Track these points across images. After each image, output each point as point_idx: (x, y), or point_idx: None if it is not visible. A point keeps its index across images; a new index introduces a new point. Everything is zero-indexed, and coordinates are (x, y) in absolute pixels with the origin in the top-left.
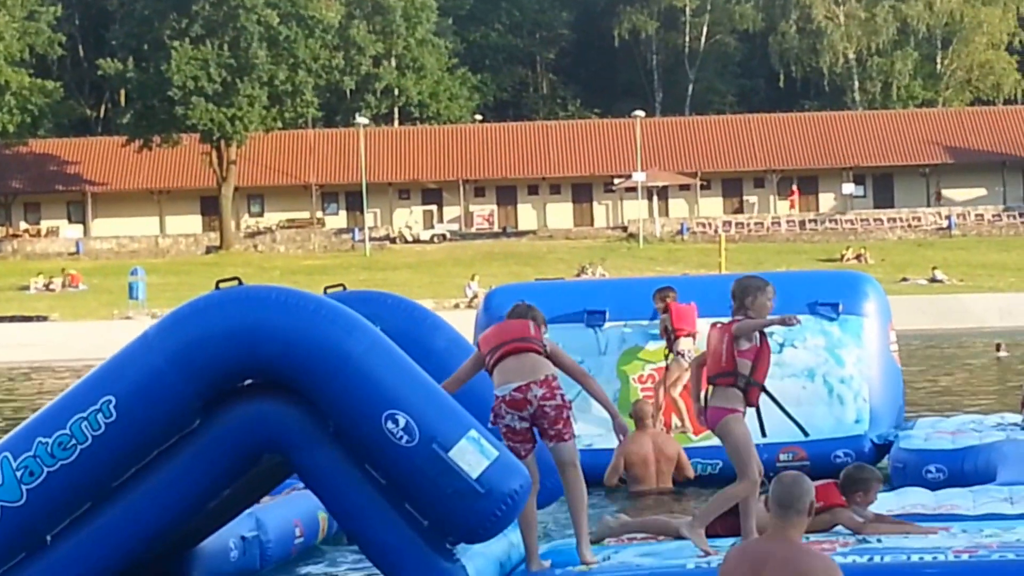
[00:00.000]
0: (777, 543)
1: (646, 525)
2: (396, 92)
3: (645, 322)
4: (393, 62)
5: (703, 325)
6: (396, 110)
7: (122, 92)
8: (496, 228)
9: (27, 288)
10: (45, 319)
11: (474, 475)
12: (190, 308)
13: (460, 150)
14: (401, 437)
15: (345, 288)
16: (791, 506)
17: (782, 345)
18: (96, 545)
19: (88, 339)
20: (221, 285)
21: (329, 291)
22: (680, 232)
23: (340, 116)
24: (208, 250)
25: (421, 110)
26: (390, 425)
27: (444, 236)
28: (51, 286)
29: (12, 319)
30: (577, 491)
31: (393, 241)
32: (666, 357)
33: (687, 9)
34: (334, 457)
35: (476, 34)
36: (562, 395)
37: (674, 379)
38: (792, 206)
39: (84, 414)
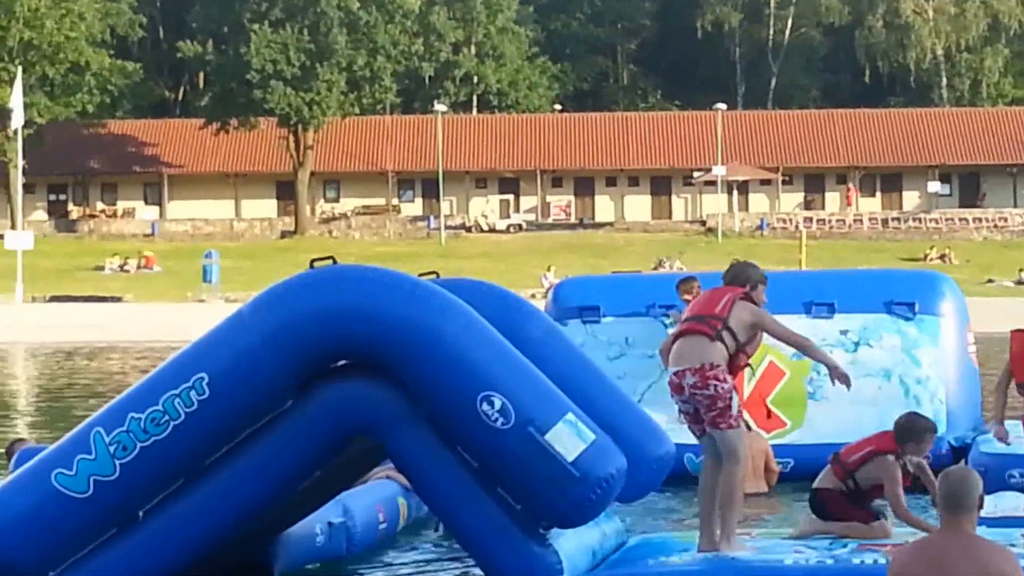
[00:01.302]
0: (954, 537)
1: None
2: (475, 80)
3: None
4: (473, 49)
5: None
6: (475, 98)
7: (201, 75)
8: (573, 219)
9: (102, 268)
10: (119, 300)
11: (570, 459)
12: (285, 287)
13: (538, 140)
14: (496, 419)
15: (438, 276)
16: (962, 503)
17: (857, 344)
18: (187, 523)
19: (161, 321)
20: (316, 264)
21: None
22: (760, 227)
23: (418, 103)
24: (283, 235)
25: (500, 99)
26: (485, 407)
27: (520, 226)
28: (126, 267)
29: (87, 299)
30: (727, 484)
31: (469, 230)
32: None
33: (772, 1)
34: (427, 440)
35: (557, 23)
36: (718, 385)
37: None
38: (848, 204)
39: (177, 391)
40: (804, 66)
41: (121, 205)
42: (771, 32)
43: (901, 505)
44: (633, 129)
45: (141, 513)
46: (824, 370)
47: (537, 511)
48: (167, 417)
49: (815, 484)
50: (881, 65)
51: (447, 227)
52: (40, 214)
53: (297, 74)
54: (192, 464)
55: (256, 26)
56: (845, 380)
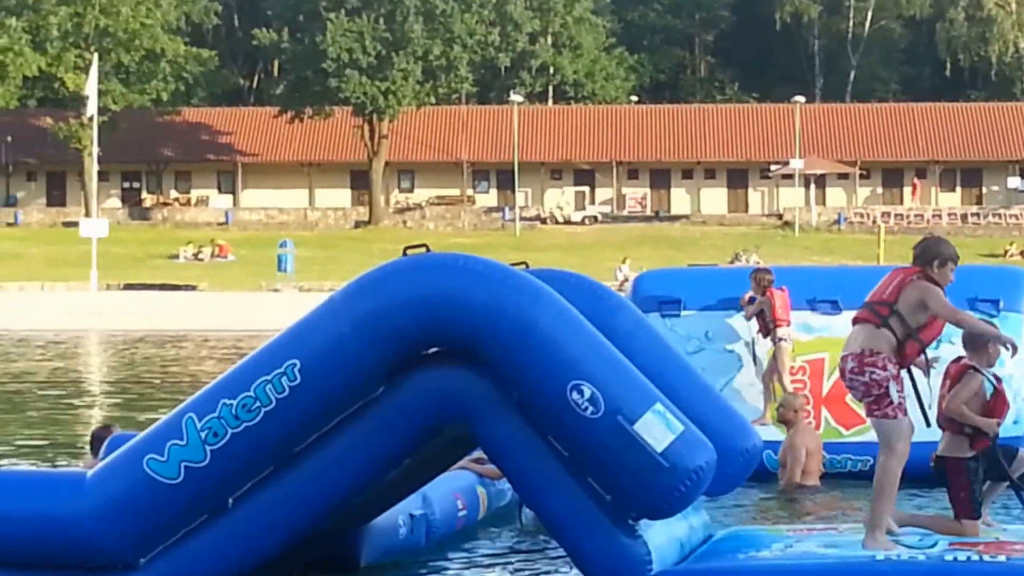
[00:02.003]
0: None
1: (933, 523)
2: (551, 70)
3: (797, 312)
4: (549, 40)
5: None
6: (550, 89)
7: (275, 63)
8: (648, 212)
9: (176, 257)
10: (194, 288)
11: (659, 449)
12: (377, 274)
13: (614, 131)
14: (586, 408)
15: (528, 267)
16: None
17: (939, 341)
18: (277, 510)
19: (235, 310)
20: (409, 251)
21: None
22: (837, 222)
23: (494, 93)
24: (357, 224)
25: (576, 89)
26: (575, 396)
27: (595, 218)
28: (200, 256)
29: (162, 287)
30: (883, 474)
31: (544, 221)
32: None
33: None
34: (517, 428)
35: (634, 14)
36: (874, 372)
37: (783, 368)
38: (913, 197)
39: (268, 377)
40: (884, 59)
41: (195, 193)
42: (851, 24)
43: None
44: (710, 121)
45: (231, 500)
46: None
47: (626, 501)
48: (258, 403)
49: (938, 452)
50: (962, 58)
51: (522, 218)
52: (114, 202)
53: (373, 63)
54: (282, 451)
55: (332, 15)
56: (1014, 346)
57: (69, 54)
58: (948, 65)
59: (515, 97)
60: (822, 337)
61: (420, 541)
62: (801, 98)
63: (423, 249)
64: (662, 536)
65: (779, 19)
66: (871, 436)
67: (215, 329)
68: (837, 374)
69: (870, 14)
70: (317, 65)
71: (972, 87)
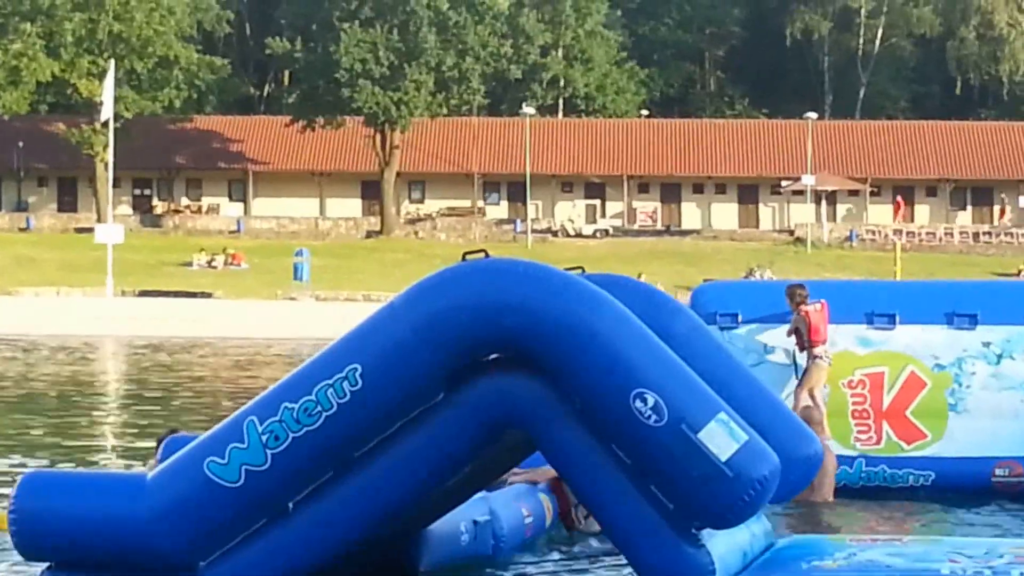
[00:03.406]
0: None
1: None
2: (562, 83)
3: (855, 325)
4: (561, 52)
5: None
6: (561, 101)
7: (286, 72)
8: (659, 226)
9: (189, 264)
10: (209, 296)
11: (723, 458)
12: (437, 279)
13: (625, 145)
14: (649, 416)
15: (584, 271)
16: None
17: (1000, 356)
18: (337, 515)
19: (253, 318)
20: (468, 257)
21: None
22: (849, 238)
23: (505, 105)
24: (368, 234)
25: (587, 102)
26: (638, 404)
27: (607, 231)
28: (213, 263)
29: (177, 294)
30: None
31: (555, 234)
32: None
33: (862, 10)
34: (579, 435)
35: (645, 27)
36: None
37: (817, 383)
38: (896, 217)
39: (330, 381)
40: (893, 76)
41: (206, 201)
42: (861, 41)
43: None
44: (721, 136)
45: (291, 504)
46: (966, 381)
47: (690, 511)
48: (320, 407)
49: None
50: (972, 77)
51: (533, 231)
52: (125, 208)
53: (385, 74)
54: (343, 455)
55: (346, 25)
56: None
57: (83, 60)
58: (958, 83)
59: (527, 109)
60: (880, 351)
61: (486, 550)
62: (813, 114)
63: (482, 255)
64: (724, 545)
65: (789, 35)
66: (933, 451)
67: (235, 337)
68: (897, 388)
69: (880, 31)
70: (330, 75)
71: (983, 106)
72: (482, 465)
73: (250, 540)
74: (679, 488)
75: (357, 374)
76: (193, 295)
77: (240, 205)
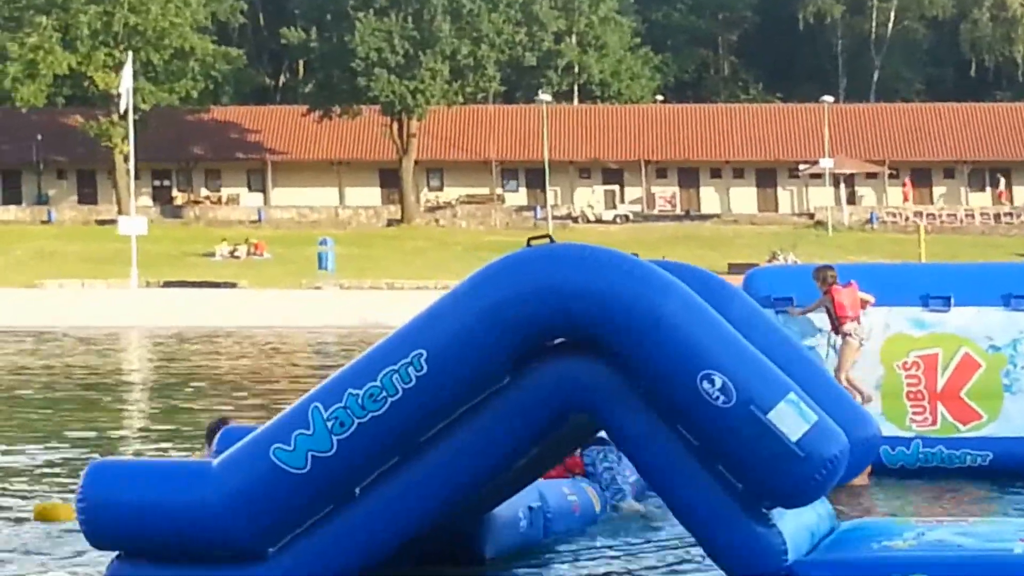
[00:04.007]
0: None
1: None
2: (577, 70)
3: (909, 308)
4: (575, 39)
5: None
6: (576, 88)
7: (301, 62)
8: (678, 211)
9: (212, 255)
10: (234, 286)
11: (794, 438)
12: (501, 265)
13: (642, 130)
14: (717, 398)
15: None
16: None
17: None
18: (404, 500)
19: (280, 307)
20: (533, 242)
21: None
22: (869, 221)
23: (520, 92)
24: (389, 223)
25: (602, 89)
26: (706, 385)
27: (627, 217)
28: (236, 253)
29: (201, 284)
30: None
31: (575, 220)
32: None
33: None
34: (646, 417)
35: (659, 13)
36: None
37: (846, 362)
38: (906, 199)
39: (395, 367)
40: (907, 59)
41: (225, 192)
42: (874, 24)
43: None
44: (737, 121)
45: (358, 490)
46: (1021, 362)
47: (760, 491)
48: (385, 393)
49: None
50: (987, 59)
51: (553, 217)
52: (145, 200)
53: (401, 62)
54: (409, 441)
55: (360, 14)
56: None
57: (99, 53)
58: (973, 65)
59: (542, 96)
60: (935, 333)
61: (539, 534)
62: (829, 98)
63: (546, 240)
64: (792, 525)
65: (802, 19)
66: (989, 431)
67: (263, 326)
68: (951, 369)
69: (893, 14)
70: (345, 64)
71: (997, 87)
72: (546, 449)
73: (318, 526)
74: (749, 469)
75: (422, 359)
76: (218, 285)
77: (259, 195)
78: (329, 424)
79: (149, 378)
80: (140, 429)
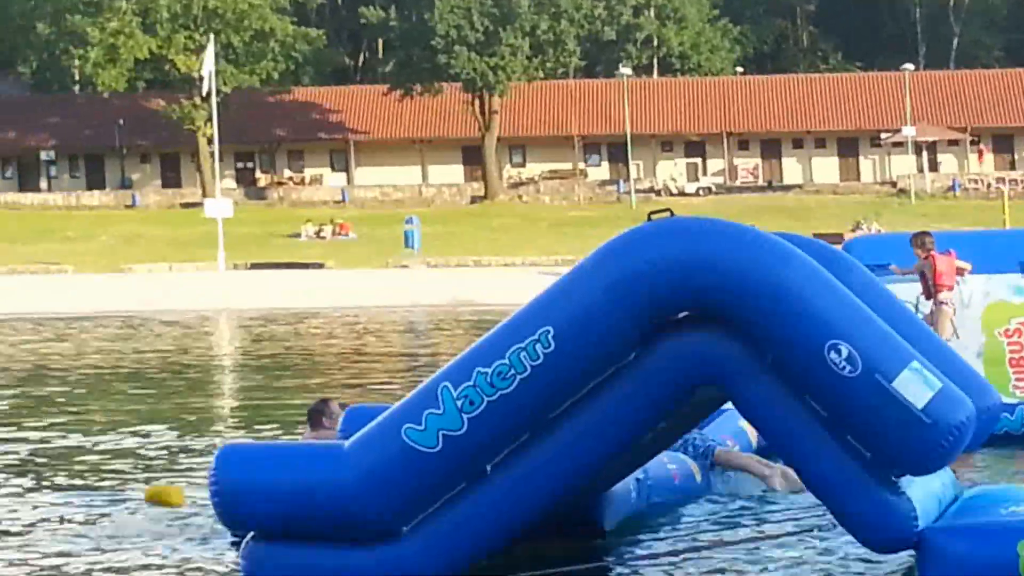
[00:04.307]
0: None
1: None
2: (656, 43)
3: (1010, 275)
4: (653, 12)
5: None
6: (656, 61)
7: (380, 41)
8: (761, 182)
9: (298, 235)
10: (321, 266)
11: (919, 405)
12: (625, 240)
13: (723, 102)
14: (844, 367)
15: None
16: None
17: None
18: (534, 477)
19: (368, 287)
20: (653, 216)
21: None
22: (951, 188)
23: (600, 67)
24: (473, 200)
25: (682, 61)
26: (832, 355)
27: (710, 189)
28: (321, 234)
29: (288, 266)
30: None
31: (658, 193)
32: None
33: None
34: (773, 389)
35: None
36: None
37: (944, 331)
38: (980, 161)
39: (523, 344)
40: (986, 25)
41: (308, 172)
42: None
43: None
44: (817, 90)
45: (489, 467)
46: None
47: (888, 459)
48: (513, 371)
49: None
50: None
51: (636, 191)
52: (229, 182)
53: (481, 39)
54: (538, 418)
55: None
56: None
57: (179, 36)
58: None
59: (623, 70)
60: None
61: (644, 506)
62: (910, 66)
63: (667, 214)
64: (920, 493)
65: None
66: None
67: (353, 306)
68: None
69: None
70: (425, 42)
71: None
72: (673, 422)
73: (451, 504)
74: (877, 437)
75: (549, 336)
76: (305, 266)
77: (343, 175)
78: (459, 403)
79: (241, 360)
80: (237, 411)
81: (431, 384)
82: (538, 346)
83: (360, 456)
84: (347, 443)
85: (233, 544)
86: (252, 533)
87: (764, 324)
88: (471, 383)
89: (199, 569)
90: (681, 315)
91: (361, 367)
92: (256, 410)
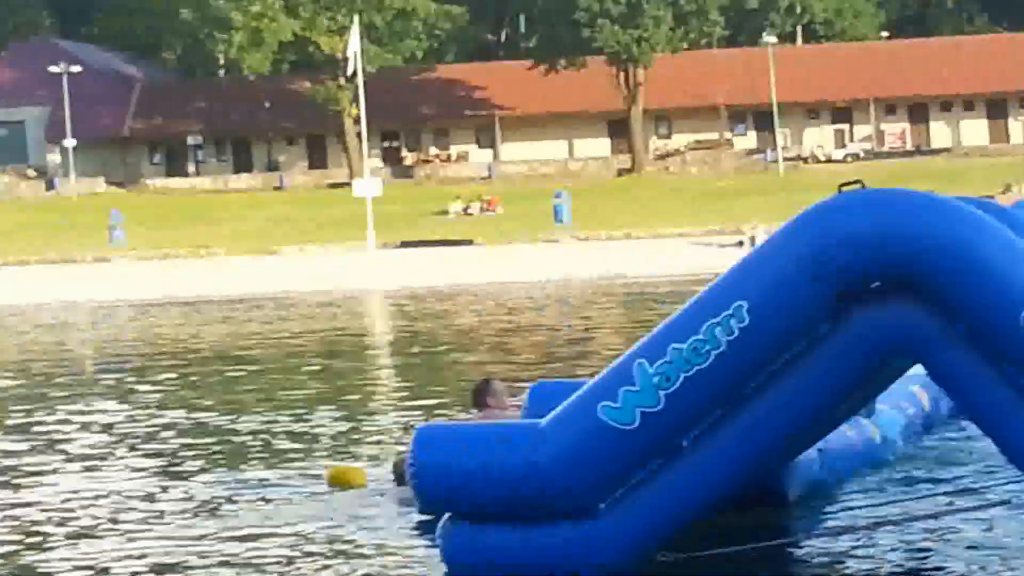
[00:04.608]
0: None
1: None
2: (800, 10)
3: None
4: None
5: None
6: (800, 28)
7: (522, 17)
8: (909, 146)
9: (445, 213)
10: (471, 243)
11: None
12: (816, 212)
13: (868, 68)
14: None
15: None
16: None
17: None
18: (730, 451)
19: (520, 262)
20: (844, 188)
21: None
22: None
23: (744, 35)
24: (619, 173)
25: (826, 28)
26: None
27: (857, 155)
28: (469, 210)
29: (438, 243)
30: None
31: (805, 161)
32: None
33: None
34: (968, 358)
35: None
36: None
37: None
38: None
39: (717, 319)
40: None
41: (454, 149)
42: None
43: None
44: (964, 53)
45: (684, 443)
46: None
47: None
48: (708, 346)
49: None
50: None
51: (784, 159)
52: (375, 162)
53: (623, 11)
54: (733, 393)
55: None
56: None
57: (321, 17)
58: None
59: (767, 38)
60: None
61: (825, 476)
62: None
63: (858, 185)
64: None
65: None
66: None
67: (507, 282)
68: None
69: None
70: (568, 16)
71: None
72: (859, 392)
73: (647, 481)
74: None
75: (744, 310)
76: (454, 243)
77: (489, 151)
78: (655, 379)
79: (397, 339)
80: (399, 391)
81: (625, 361)
82: (733, 320)
83: (557, 435)
84: (543, 422)
85: (418, 525)
86: (448, 514)
87: (958, 292)
88: (667, 359)
89: (393, 552)
90: (873, 286)
91: (517, 343)
92: (418, 389)
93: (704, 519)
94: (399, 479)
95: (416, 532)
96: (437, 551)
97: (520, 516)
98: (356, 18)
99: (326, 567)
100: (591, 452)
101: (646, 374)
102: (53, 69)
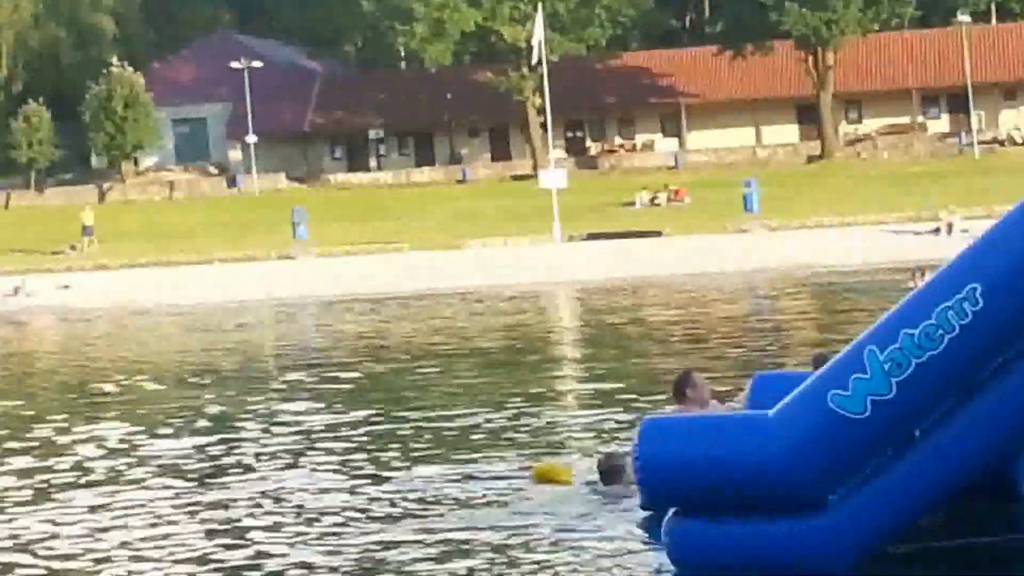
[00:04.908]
0: None
1: None
2: None
3: None
4: None
5: None
6: (994, 7)
7: (707, 2)
8: None
9: (632, 204)
10: (659, 234)
11: None
12: None
13: None
14: None
15: None
16: None
17: None
18: (964, 440)
19: (710, 252)
20: None
21: None
22: None
23: (936, 15)
24: (809, 159)
25: (1022, 5)
26: None
27: None
28: (656, 201)
29: (626, 235)
30: None
31: (1001, 144)
32: None
33: None
34: None
35: None
36: None
37: None
38: None
39: (949, 303)
40: None
41: (639, 139)
42: None
43: None
44: None
45: (917, 432)
46: None
47: None
48: (941, 331)
49: None
50: None
51: (979, 142)
52: (559, 152)
53: None
54: (967, 378)
55: None
56: None
57: (504, 6)
58: None
59: (961, 17)
60: None
61: None
62: None
63: None
64: None
65: None
66: None
67: (695, 273)
68: None
69: None
70: (754, 1)
71: None
72: None
73: (878, 471)
74: None
75: (977, 293)
76: (642, 234)
77: (674, 140)
78: (886, 366)
79: (591, 333)
80: (593, 385)
81: (856, 348)
82: (966, 304)
83: (786, 425)
84: (771, 412)
85: (640, 522)
86: (673, 510)
87: None
88: (898, 346)
89: (627, 550)
90: None
91: (716, 336)
92: (612, 383)
93: (936, 512)
94: (604, 476)
95: (637, 530)
96: (661, 549)
97: (747, 508)
98: (540, 6)
99: (545, 565)
100: (821, 442)
101: (877, 361)
102: (234, 65)
